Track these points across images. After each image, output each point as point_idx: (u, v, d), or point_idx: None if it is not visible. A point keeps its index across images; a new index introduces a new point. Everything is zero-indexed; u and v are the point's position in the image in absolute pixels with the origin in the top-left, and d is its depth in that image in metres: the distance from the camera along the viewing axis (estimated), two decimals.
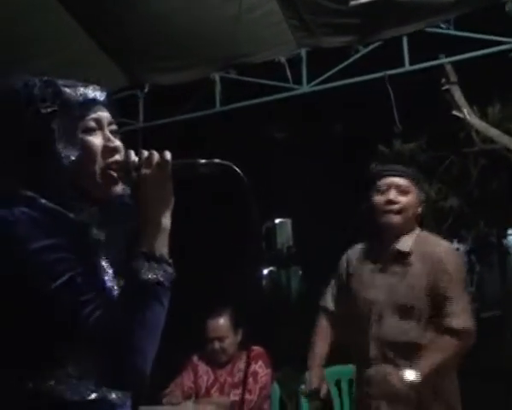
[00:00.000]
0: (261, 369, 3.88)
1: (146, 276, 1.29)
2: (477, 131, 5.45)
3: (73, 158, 1.37)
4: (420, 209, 2.90)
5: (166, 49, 4.76)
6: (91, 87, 1.45)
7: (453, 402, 2.79)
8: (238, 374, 3.88)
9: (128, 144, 1.47)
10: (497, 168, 6.41)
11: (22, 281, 1.28)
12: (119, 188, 1.43)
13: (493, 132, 5.32)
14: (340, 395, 4.10)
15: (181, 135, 5.33)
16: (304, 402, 4.14)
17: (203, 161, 1.36)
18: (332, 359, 3.15)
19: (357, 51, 4.73)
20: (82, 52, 4.69)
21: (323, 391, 2.93)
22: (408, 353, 2.67)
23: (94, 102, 1.43)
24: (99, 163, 1.39)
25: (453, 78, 5.09)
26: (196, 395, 3.90)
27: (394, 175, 2.85)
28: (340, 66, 4.80)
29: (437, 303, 2.71)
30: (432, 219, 6.67)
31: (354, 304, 2.90)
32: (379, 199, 2.83)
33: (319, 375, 2.94)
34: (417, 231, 2.89)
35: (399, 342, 2.71)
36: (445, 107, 5.35)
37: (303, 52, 4.85)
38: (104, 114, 1.44)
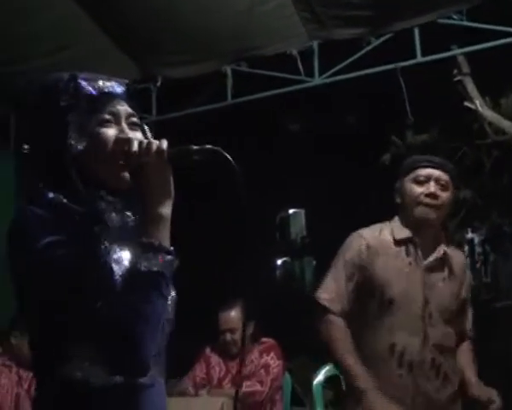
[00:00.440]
0: (273, 361, 3.92)
1: (142, 266, 1.32)
2: (490, 123, 5.42)
3: (81, 148, 1.41)
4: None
5: (178, 42, 4.78)
6: (110, 81, 1.49)
7: None
8: (250, 366, 3.92)
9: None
10: (510, 159, 6.36)
11: (34, 276, 1.34)
12: (128, 176, 1.44)
13: (506, 124, 5.28)
14: None
15: (193, 128, 5.33)
16: (317, 391, 4.19)
17: (196, 147, 1.38)
18: None
19: (368, 43, 4.71)
20: (95, 46, 4.73)
21: None
22: (449, 358, 2.63)
23: (112, 95, 1.47)
24: (109, 153, 1.42)
25: (465, 69, 5.06)
26: (209, 385, 3.95)
27: (434, 167, 2.65)
28: (352, 58, 4.80)
29: (460, 310, 2.71)
30: None
31: (392, 300, 2.59)
32: (417, 189, 2.63)
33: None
34: None
35: (445, 346, 2.62)
36: (457, 98, 5.32)
37: (315, 44, 4.85)
38: (122, 108, 1.47)
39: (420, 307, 2.57)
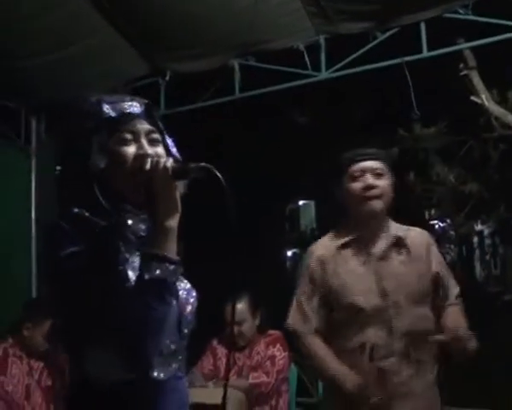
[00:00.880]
0: (279, 352, 3.97)
1: (145, 275, 1.43)
2: (496, 117, 5.42)
3: (103, 166, 1.55)
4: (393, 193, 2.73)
5: (187, 37, 4.81)
6: (130, 102, 1.63)
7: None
8: (256, 357, 3.97)
9: None
10: None
11: (55, 282, 1.52)
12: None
13: (511, 118, 5.29)
14: None
15: (201, 121, 5.39)
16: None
17: (193, 165, 1.50)
18: None
19: (375, 38, 4.72)
20: (105, 41, 4.78)
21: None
22: (423, 340, 2.53)
23: (131, 115, 1.61)
24: (128, 170, 1.56)
25: (472, 63, 5.06)
26: (216, 377, 4.00)
27: (367, 159, 2.66)
28: (359, 52, 4.81)
29: (436, 286, 2.68)
30: (452, 203, 6.68)
31: (353, 304, 2.59)
32: (355, 186, 2.64)
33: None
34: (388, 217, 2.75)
35: (417, 330, 2.56)
36: (464, 92, 5.33)
37: (321, 39, 4.87)
38: (141, 126, 1.61)
39: (380, 301, 2.57)
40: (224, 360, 4.02)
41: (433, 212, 11.20)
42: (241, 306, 3.98)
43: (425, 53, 4.62)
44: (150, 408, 1.55)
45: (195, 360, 4.08)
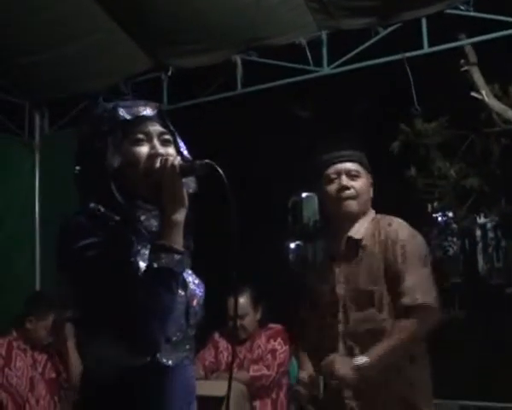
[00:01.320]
0: (280, 346, 4.01)
1: (153, 264, 1.54)
2: (497, 113, 5.43)
3: (118, 165, 1.65)
4: (371, 192, 2.79)
5: (189, 33, 4.83)
6: (144, 106, 1.75)
7: (420, 385, 2.64)
8: (257, 351, 4.02)
9: None
10: None
11: (70, 272, 1.62)
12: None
13: (511, 114, 5.30)
14: None
15: (204, 116, 5.41)
16: None
17: (199, 162, 1.61)
18: None
19: (376, 33, 4.73)
20: (107, 36, 4.81)
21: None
22: (370, 341, 2.52)
23: (144, 118, 1.72)
24: (142, 168, 1.66)
25: (473, 59, 5.07)
26: (217, 370, 4.05)
27: (342, 161, 2.73)
28: (361, 48, 4.82)
29: (394, 284, 2.57)
30: (453, 197, 6.70)
31: (318, 302, 2.73)
32: (331, 187, 2.72)
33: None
34: (372, 214, 2.77)
35: (361, 331, 2.58)
36: (466, 87, 5.35)
37: (323, 34, 4.88)
38: (153, 128, 1.72)
39: (332, 306, 2.66)
40: (225, 354, 4.07)
41: (435, 204, 11.22)
42: (242, 300, 4.02)
43: (426, 49, 4.63)
44: (158, 394, 1.63)
45: (196, 353, 4.12)
